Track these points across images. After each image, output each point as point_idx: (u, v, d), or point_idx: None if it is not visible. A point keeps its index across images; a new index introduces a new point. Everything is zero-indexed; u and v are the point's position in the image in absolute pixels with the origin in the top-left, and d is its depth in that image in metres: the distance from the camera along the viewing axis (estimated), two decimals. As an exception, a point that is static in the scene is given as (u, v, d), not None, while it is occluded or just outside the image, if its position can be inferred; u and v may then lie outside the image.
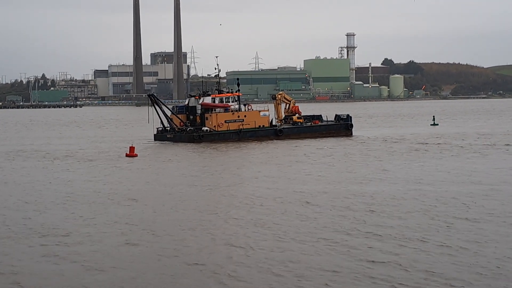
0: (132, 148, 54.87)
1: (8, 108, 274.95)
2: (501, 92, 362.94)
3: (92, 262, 18.48)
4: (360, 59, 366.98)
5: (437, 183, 33.82)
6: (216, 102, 68.31)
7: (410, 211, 25.70)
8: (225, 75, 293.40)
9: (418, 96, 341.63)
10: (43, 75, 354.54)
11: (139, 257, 19.26)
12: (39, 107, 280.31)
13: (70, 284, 16.39)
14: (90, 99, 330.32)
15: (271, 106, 73.34)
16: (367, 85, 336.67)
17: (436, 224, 22.96)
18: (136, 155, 53.82)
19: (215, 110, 67.94)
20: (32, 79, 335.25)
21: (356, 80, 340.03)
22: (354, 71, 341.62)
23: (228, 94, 70.87)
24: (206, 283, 16.28)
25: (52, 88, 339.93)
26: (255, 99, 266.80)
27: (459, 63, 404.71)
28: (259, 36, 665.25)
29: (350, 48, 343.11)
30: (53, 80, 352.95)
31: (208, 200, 30.73)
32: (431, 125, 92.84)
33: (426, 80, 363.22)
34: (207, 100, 68.04)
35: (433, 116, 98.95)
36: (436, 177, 36.32)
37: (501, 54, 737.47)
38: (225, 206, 28.54)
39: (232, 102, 69.57)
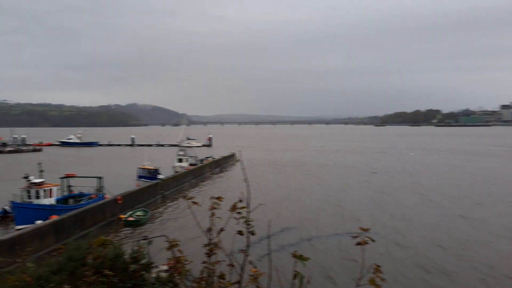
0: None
1: (442, 126, 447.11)
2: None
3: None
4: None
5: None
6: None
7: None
8: None
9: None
10: (467, 108, 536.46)
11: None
12: (463, 127, 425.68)
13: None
14: (497, 122, 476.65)
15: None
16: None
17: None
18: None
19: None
20: (457, 110, 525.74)
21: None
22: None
23: None
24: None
25: (472, 115, 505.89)
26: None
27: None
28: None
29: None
30: (474, 111, 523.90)
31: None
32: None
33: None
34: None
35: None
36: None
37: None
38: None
39: None
